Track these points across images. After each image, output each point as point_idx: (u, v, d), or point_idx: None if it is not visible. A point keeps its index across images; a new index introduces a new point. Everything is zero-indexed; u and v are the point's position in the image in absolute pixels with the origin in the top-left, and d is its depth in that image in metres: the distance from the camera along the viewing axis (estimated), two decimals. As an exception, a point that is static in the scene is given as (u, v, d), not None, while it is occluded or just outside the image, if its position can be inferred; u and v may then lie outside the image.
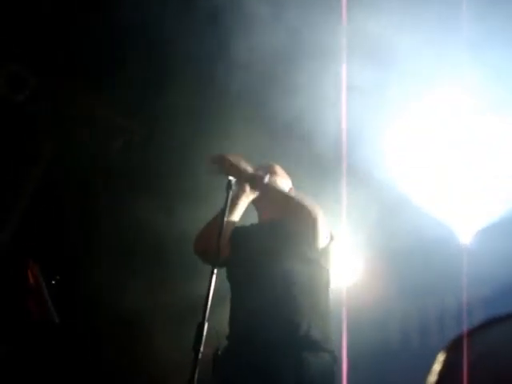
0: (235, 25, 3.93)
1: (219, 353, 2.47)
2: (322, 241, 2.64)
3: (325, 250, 2.70)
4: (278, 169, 3.02)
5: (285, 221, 2.64)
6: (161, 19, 4.17)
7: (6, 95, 4.75)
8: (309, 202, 2.61)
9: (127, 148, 5.23)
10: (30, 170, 4.94)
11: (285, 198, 2.65)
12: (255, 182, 2.63)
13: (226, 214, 2.56)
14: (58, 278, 4.56)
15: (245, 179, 2.63)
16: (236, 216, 2.86)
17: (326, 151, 4.31)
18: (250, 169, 2.65)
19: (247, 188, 2.71)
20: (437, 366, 0.98)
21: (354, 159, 4.15)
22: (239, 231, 2.86)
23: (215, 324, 2.32)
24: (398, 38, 3.69)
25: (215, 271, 2.35)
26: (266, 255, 2.65)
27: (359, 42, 3.83)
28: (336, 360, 2.58)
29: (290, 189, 3.02)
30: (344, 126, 3.98)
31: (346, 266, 5.03)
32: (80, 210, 5.14)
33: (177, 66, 4.52)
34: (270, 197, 2.66)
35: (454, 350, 0.97)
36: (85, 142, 5.11)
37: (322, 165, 4.41)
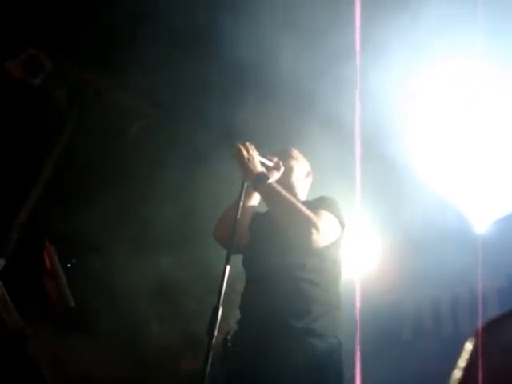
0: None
1: (229, 337, 2.48)
2: (323, 245, 2.60)
3: (334, 242, 2.69)
4: (296, 153, 3.00)
5: (282, 228, 2.62)
6: (179, 4, 4.16)
7: (23, 78, 4.77)
8: (307, 214, 2.54)
9: (143, 132, 5.26)
10: (47, 154, 4.98)
11: (284, 204, 2.61)
12: (256, 185, 2.63)
13: (242, 201, 2.57)
14: (73, 261, 4.61)
15: (247, 179, 2.63)
16: (253, 203, 2.86)
17: (343, 138, 4.29)
18: (257, 168, 2.65)
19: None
20: (466, 351, 0.98)
21: (369, 146, 4.12)
22: (256, 218, 2.87)
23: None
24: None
25: (230, 256, 2.36)
26: (276, 244, 2.65)
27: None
28: (341, 345, 2.59)
29: (308, 173, 3.01)
30: (358, 114, 3.96)
31: (359, 255, 5.03)
32: (97, 193, 5.16)
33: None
34: (270, 198, 2.64)
35: (484, 335, 0.97)
36: (101, 125, 5.13)
37: (336, 151, 4.38)
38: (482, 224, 4.87)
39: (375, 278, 5.13)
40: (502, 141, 4.29)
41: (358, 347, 2.72)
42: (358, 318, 2.94)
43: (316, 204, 2.70)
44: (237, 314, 2.78)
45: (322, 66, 4.10)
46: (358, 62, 3.90)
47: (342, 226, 2.72)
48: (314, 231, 2.49)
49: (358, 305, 3.04)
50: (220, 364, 2.52)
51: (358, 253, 4.92)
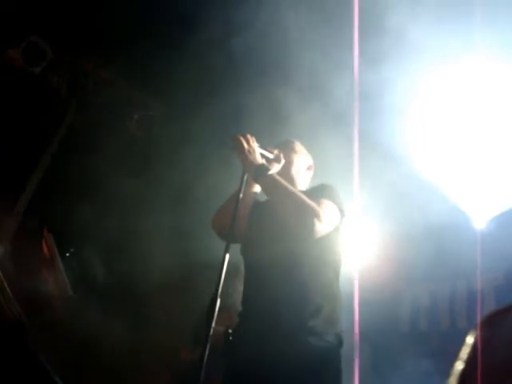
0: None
1: (230, 331, 2.48)
2: (324, 234, 2.60)
3: (335, 231, 2.69)
4: (298, 146, 2.99)
5: (284, 218, 2.62)
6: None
7: (23, 66, 4.77)
8: (309, 204, 2.54)
9: (143, 122, 5.25)
10: (46, 143, 4.97)
11: (286, 195, 2.62)
12: (256, 177, 2.64)
13: (243, 191, 2.57)
14: (72, 250, 4.61)
15: (248, 170, 2.64)
16: (253, 194, 2.86)
17: (342, 130, 4.28)
18: (257, 160, 2.65)
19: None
20: (469, 343, 0.98)
21: (369, 140, 4.12)
22: (255, 209, 2.86)
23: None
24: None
25: (229, 246, 2.36)
26: (276, 236, 2.65)
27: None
28: (342, 342, 2.59)
29: (310, 166, 3.00)
30: (356, 105, 3.95)
31: (358, 249, 5.03)
32: (96, 183, 5.16)
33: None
34: (272, 189, 2.64)
35: (487, 327, 0.97)
36: (101, 114, 5.13)
37: (335, 144, 4.38)
38: (481, 220, 4.88)
39: (373, 272, 5.13)
40: (502, 136, 4.29)
41: (356, 340, 2.71)
42: (356, 311, 2.94)
43: (316, 192, 2.70)
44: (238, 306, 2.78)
45: (323, 57, 4.10)
46: (356, 61, 3.90)
47: (342, 213, 2.72)
48: (316, 221, 2.50)
49: (356, 298, 3.04)
50: (221, 357, 2.52)
51: (356, 246, 4.93)
